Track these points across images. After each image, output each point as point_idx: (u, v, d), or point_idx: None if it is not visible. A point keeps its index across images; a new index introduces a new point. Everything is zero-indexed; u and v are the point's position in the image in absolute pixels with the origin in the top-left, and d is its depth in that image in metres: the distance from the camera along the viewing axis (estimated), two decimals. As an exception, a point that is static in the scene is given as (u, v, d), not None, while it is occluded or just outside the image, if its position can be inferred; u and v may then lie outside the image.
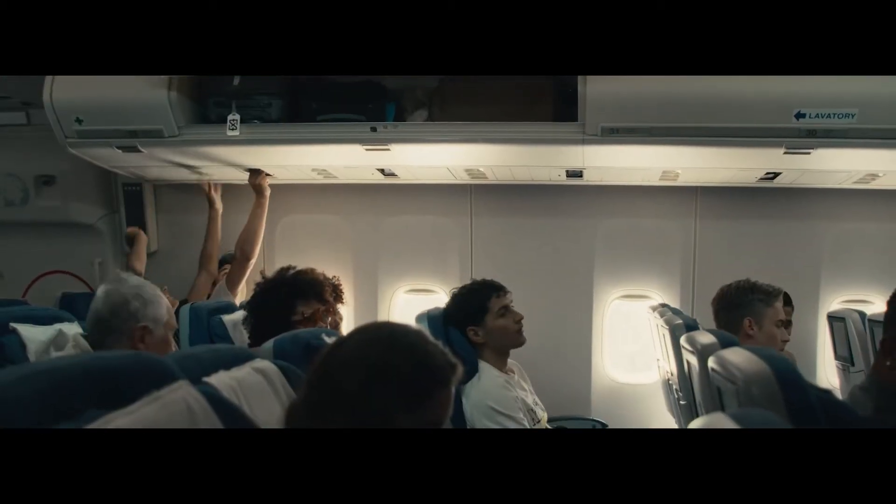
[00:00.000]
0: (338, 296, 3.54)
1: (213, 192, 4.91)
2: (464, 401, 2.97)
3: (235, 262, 4.68)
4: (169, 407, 1.14)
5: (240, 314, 3.55)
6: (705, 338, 2.60)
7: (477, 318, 3.07)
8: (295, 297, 2.80)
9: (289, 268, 3.09)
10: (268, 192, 4.80)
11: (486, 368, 3.04)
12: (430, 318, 3.30)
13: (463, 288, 3.21)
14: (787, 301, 3.58)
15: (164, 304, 2.57)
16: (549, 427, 3.27)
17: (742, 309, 3.18)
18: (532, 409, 3.09)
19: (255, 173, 4.75)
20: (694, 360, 2.71)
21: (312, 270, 3.09)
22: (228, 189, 5.09)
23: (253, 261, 4.71)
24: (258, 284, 3.10)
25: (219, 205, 4.90)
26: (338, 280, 3.54)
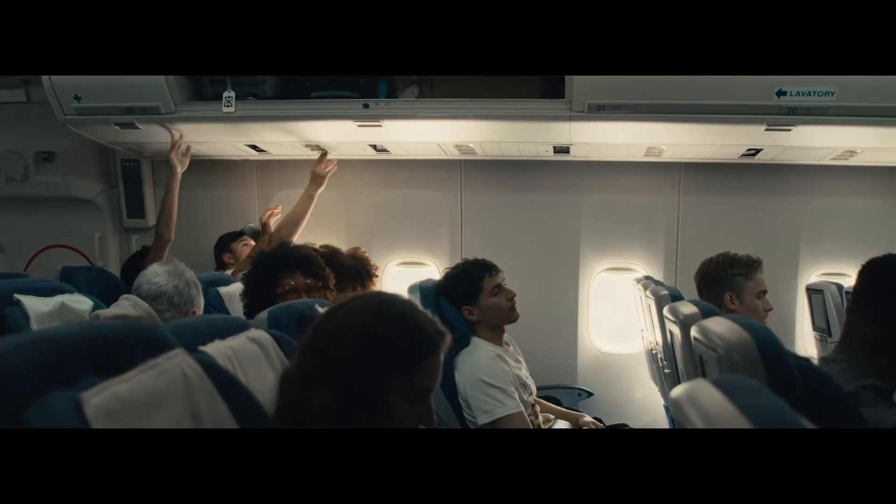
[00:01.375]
0: (368, 274, 3.54)
1: (177, 152, 4.55)
2: (456, 374, 2.97)
3: (271, 244, 4.62)
4: (165, 374, 1.13)
5: (235, 286, 3.56)
6: (687, 308, 2.60)
7: (471, 298, 3.06)
8: (280, 270, 2.76)
9: (285, 243, 3.08)
10: (324, 184, 4.76)
11: (478, 343, 3.04)
12: (423, 289, 3.31)
13: (456, 268, 3.20)
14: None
15: (202, 298, 2.87)
16: (537, 399, 3.27)
17: (723, 284, 3.19)
18: (524, 383, 3.10)
19: (321, 160, 4.71)
20: (676, 330, 2.72)
21: (304, 246, 3.06)
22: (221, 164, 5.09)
23: None
24: (251, 259, 3.09)
25: (182, 167, 4.56)
26: (366, 256, 3.54)
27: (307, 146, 4.73)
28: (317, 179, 4.69)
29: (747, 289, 3.19)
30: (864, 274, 2.09)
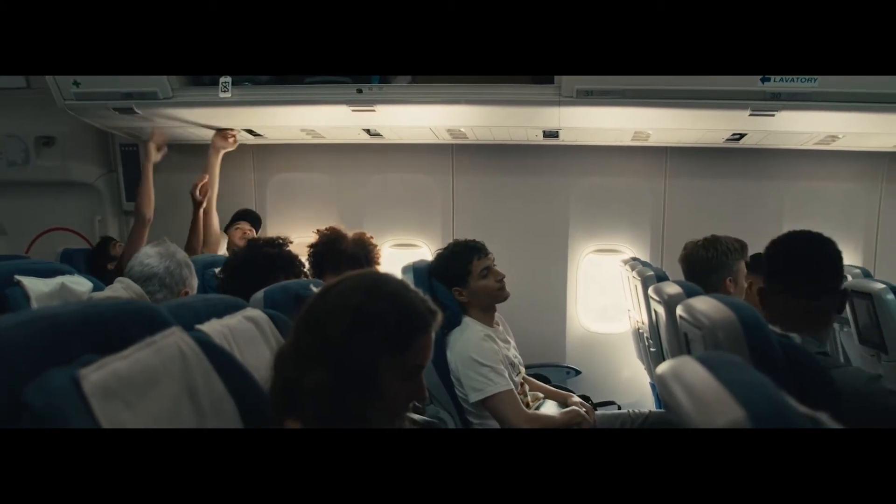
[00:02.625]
0: (368, 261, 3.47)
1: (153, 146, 4.62)
2: (448, 353, 2.97)
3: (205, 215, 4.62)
4: (162, 351, 1.13)
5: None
6: (672, 288, 2.61)
7: (460, 280, 3.05)
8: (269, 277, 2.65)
9: (256, 241, 2.97)
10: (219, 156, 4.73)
11: (469, 323, 3.03)
12: (415, 269, 3.31)
13: (445, 250, 3.18)
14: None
15: (196, 279, 2.80)
16: (526, 377, 3.27)
17: (721, 271, 3.15)
18: (513, 362, 3.10)
19: (223, 134, 4.68)
20: (662, 310, 2.73)
21: (287, 247, 2.91)
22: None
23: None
24: (238, 253, 2.95)
25: (155, 157, 4.62)
26: (371, 242, 3.47)
27: (302, 130, 4.72)
28: (215, 150, 4.69)
29: (742, 271, 3.17)
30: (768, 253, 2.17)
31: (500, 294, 3.08)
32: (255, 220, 4.87)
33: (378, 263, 3.45)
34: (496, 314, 3.21)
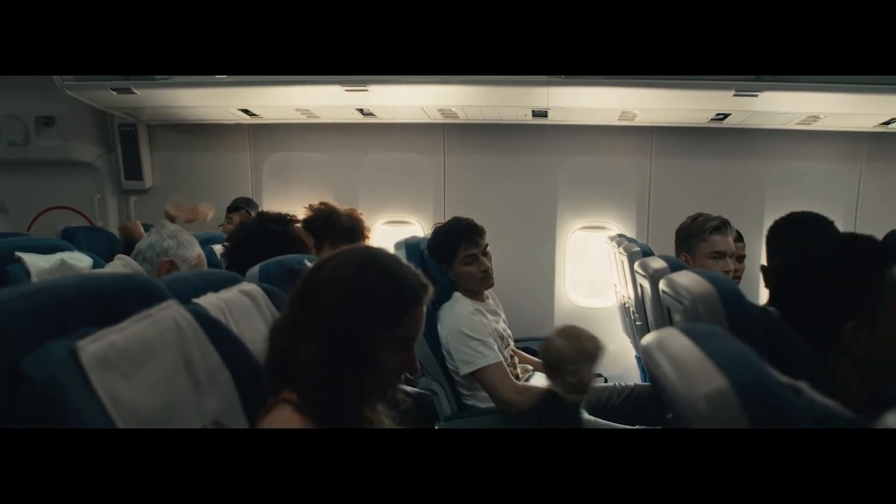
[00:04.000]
0: (362, 234, 3.47)
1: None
2: (439, 327, 2.97)
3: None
4: (159, 324, 1.12)
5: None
6: (657, 263, 2.61)
7: (446, 261, 3.04)
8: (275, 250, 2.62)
9: (265, 216, 2.93)
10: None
11: (458, 297, 3.03)
12: (408, 245, 3.33)
13: (441, 227, 3.14)
14: (739, 237, 3.55)
15: (195, 251, 2.77)
16: (515, 350, 3.28)
17: (681, 246, 3.09)
18: (502, 335, 3.10)
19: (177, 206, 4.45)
20: (647, 284, 2.73)
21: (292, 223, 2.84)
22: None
23: None
24: (238, 231, 2.90)
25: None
26: (361, 217, 3.47)
27: (297, 110, 4.70)
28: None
29: (700, 249, 3.06)
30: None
31: (483, 283, 3.06)
32: (249, 209, 4.82)
33: (368, 238, 3.45)
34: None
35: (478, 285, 3.06)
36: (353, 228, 3.30)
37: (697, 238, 3.02)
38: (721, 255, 3.01)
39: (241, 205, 4.79)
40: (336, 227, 3.15)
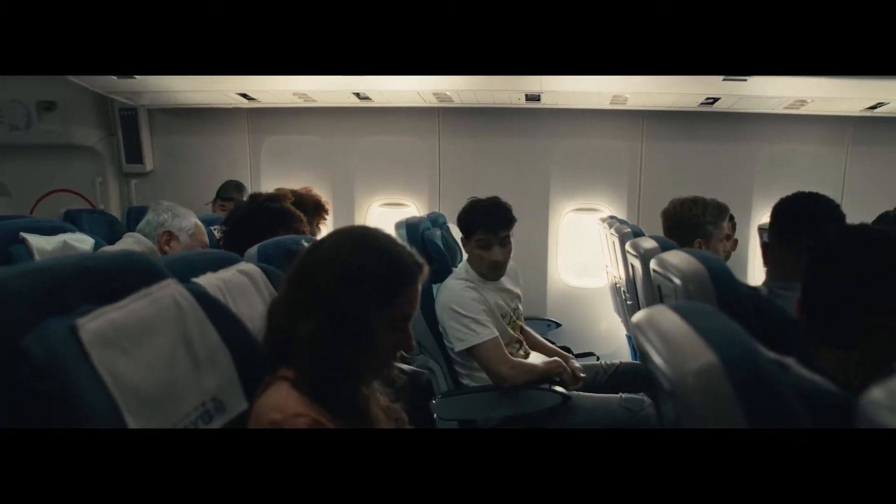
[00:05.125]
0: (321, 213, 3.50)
1: None
2: (436, 305, 2.96)
3: None
4: (158, 302, 1.12)
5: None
6: (648, 243, 2.61)
7: (465, 235, 2.99)
8: (268, 231, 2.61)
9: (259, 196, 2.92)
10: None
11: (453, 275, 3.01)
12: (408, 225, 3.32)
13: (473, 202, 3.02)
14: (730, 218, 3.56)
15: (191, 220, 2.84)
16: (523, 326, 3.26)
17: (693, 232, 3.13)
18: (506, 312, 3.04)
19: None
20: (637, 264, 2.73)
21: (283, 200, 2.86)
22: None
23: None
24: (234, 213, 2.88)
25: None
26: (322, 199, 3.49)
27: (295, 94, 4.69)
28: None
29: (714, 235, 3.14)
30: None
31: (489, 273, 2.99)
32: (240, 194, 4.79)
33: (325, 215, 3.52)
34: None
35: (483, 271, 2.99)
36: (317, 205, 3.34)
37: (715, 225, 3.10)
38: (728, 237, 3.16)
39: (230, 192, 4.74)
40: (302, 209, 3.11)
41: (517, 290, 3.20)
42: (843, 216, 2.10)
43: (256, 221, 2.61)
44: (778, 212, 2.14)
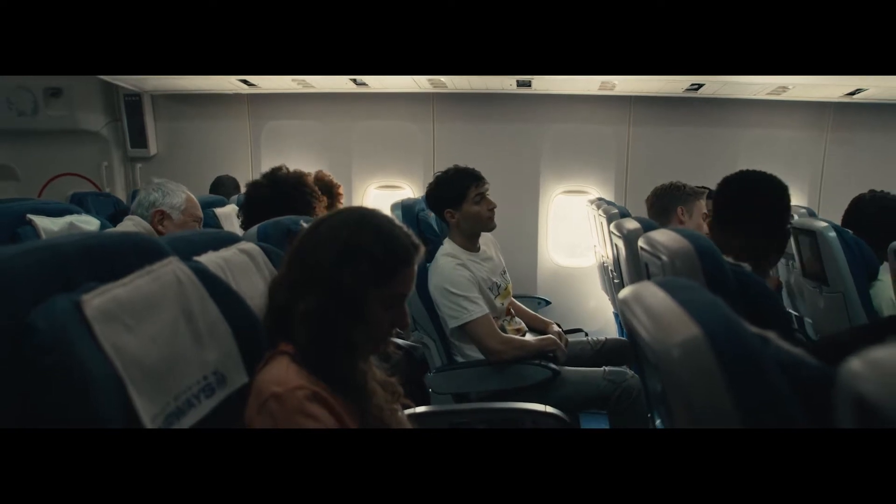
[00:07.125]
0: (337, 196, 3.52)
1: None
2: (429, 283, 2.96)
3: None
4: (160, 279, 1.11)
5: (230, 208, 3.56)
6: (631, 224, 2.65)
7: (454, 203, 2.98)
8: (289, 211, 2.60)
9: (279, 169, 2.91)
10: None
11: (440, 254, 3.00)
12: (404, 206, 3.32)
13: (446, 172, 3.06)
14: (709, 196, 3.59)
15: (181, 196, 2.77)
16: (514, 302, 3.28)
17: (676, 201, 3.19)
18: (494, 284, 3.06)
19: None
20: (621, 244, 2.74)
21: (302, 179, 2.86)
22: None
23: None
24: (255, 192, 2.86)
25: None
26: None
27: (293, 80, 4.67)
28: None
29: (697, 207, 3.20)
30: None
31: (489, 223, 3.02)
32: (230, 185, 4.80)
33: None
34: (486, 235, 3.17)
35: (483, 225, 3.02)
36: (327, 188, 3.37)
37: (696, 197, 3.22)
38: (706, 216, 3.16)
39: (219, 189, 4.73)
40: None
41: (500, 259, 3.23)
42: (781, 198, 2.10)
43: (283, 200, 2.65)
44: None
